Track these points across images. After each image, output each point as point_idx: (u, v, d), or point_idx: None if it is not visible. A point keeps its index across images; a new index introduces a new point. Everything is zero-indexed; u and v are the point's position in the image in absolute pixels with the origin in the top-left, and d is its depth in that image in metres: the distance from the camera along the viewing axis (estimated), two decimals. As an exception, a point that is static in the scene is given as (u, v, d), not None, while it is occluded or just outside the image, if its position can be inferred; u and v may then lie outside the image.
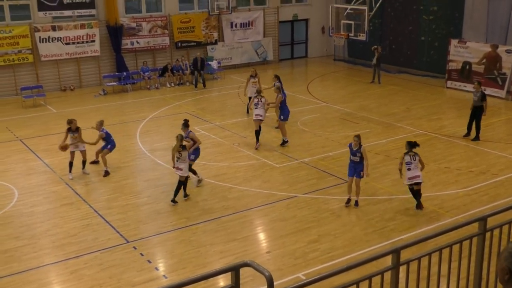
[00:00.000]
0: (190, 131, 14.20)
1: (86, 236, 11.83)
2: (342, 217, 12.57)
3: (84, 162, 15.49)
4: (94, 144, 15.54)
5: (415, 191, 12.78)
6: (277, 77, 19.13)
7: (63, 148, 15.12)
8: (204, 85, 25.87)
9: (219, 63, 28.88)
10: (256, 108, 17.04)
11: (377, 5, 24.69)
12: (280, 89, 17.80)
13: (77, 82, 26.05)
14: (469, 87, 23.95)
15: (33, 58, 24.75)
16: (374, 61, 26.14)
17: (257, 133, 17.00)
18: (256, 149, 16.93)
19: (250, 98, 19.27)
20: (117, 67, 26.64)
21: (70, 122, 15.19)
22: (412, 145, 12.77)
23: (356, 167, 12.81)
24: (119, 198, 13.84)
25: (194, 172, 14.30)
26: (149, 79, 26.21)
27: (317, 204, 13.25)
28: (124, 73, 26.31)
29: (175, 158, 13.36)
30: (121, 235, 11.87)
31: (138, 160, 16.74)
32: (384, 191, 13.90)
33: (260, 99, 17.13)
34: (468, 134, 17.85)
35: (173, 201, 13.31)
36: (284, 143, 17.30)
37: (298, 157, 16.42)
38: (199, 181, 14.45)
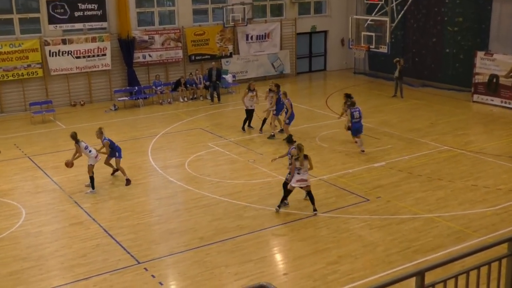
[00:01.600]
0: (293, 148, 13.67)
1: (95, 257, 11.85)
2: (363, 237, 12.47)
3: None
4: (106, 153, 15.99)
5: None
6: (277, 86, 20.44)
7: (70, 164, 15.67)
8: (219, 99, 25.95)
9: (234, 76, 29.01)
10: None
11: (399, 16, 24.66)
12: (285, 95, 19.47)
13: (88, 97, 26.29)
14: (497, 101, 23.87)
15: (43, 72, 25.05)
16: (396, 74, 26.08)
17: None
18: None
19: (247, 110, 20.79)
20: (128, 82, 26.85)
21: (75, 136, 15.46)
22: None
23: None
24: (130, 217, 13.86)
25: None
26: (161, 93, 26.38)
27: (336, 223, 13.16)
28: (136, 88, 26.50)
29: (296, 170, 13.30)
30: (132, 255, 11.87)
31: (150, 177, 16.79)
32: (407, 210, 13.78)
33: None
34: None
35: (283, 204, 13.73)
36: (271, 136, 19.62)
37: (316, 174, 16.36)
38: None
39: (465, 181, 15.63)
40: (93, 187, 15.48)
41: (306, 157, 13.36)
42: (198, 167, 17.39)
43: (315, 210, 13.61)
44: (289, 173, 13.81)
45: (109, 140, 15.97)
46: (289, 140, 14.48)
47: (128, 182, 15.95)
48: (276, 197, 14.73)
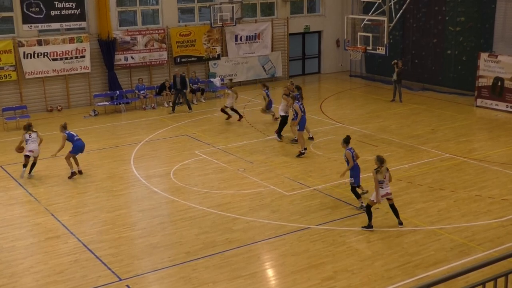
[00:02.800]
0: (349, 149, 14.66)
1: (74, 274, 11.78)
2: (360, 251, 12.48)
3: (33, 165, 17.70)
4: (61, 147, 17.35)
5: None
6: (265, 86, 21.40)
7: (20, 149, 17.63)
8: (190, 108, 25.36)
9: (222, 80, 29.04)
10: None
11: (398, 15, 24.79)
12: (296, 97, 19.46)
13: (65, 102, 26.22)
14: (502, 105, 24.01)
15: (17, 75, 24.96)
16: (394, 77, 26.21)
17: None
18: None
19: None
20: (109, 85, 26.82)
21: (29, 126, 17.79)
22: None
23: None
24: (111, 230, 13.81)
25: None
26: (144, 98, 26.35)
27: (332, 236, 13.17)
28: (117, 92, 26.46)
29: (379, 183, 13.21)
30: (113, 272, 11.81)
31: (132, 188, 16.74)
32: (407, 222, 13.81)
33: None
34: None
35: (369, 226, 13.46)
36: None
37: (310, 184, 16.38)
38: None
39: (468, 191, 15.69)
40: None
41: (387, 169, 13.31)
42: (184, 176, 17.36)
43: (400, 223, 13.51)
44: (351, 177, 14.44)
45: (68, 133, 17.41)
46: (346, 140, 14.83)
47: (72, 174, 17.29)
48: (267, 208, 14.75)
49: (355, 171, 14.50)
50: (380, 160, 13.25)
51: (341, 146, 15.05)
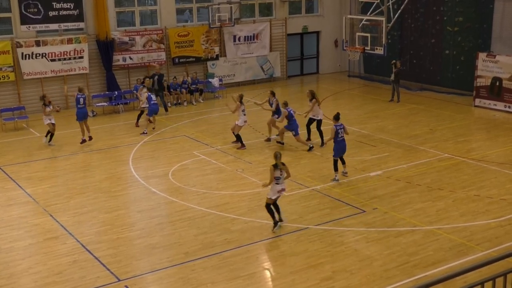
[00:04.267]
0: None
1: (72, 274, 11.76)
2: (359, 251, 12.49)
3: (52, 135, 20.39)
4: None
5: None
6: (273, 94, 20.61)
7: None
8: (166, 110, 25.16)
9: (220, 80, 29.04)
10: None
11: (396, 15, 24.77)
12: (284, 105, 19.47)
13: (63, 102, 26.18)
14: (500, 105, 24.03)
15: (15, 76, 24.95)
16: (392, 77, 26.23)
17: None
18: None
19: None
20: (107, 86, 26.81)
21: (44, 97, 20.69)
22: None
23: None
24: (109, 231, 13.80)
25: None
26: (143, 99, 26.29)
27: (330, 236, 13.17)
28: (116, 92, 26.45)
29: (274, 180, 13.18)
30: (111, 272, 11.80)
31: (131, 188, 16.73)
32: (405, 222, 13.82)
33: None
34: None
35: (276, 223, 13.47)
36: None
37: (309, 184, 16.38)
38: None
39: (467, 191, 15.70)
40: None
41: (283, 164, 13.30)
42: (182, 177, 17.36)
43: (280, 221, 13.55)
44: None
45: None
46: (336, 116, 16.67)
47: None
48: (265, 209, 14.72)
49: (337, 145, 16.31)
50: (275, 156, 13.18)
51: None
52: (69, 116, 24.80)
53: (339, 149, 16.42)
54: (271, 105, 20.16)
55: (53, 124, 20.45)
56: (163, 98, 25.39)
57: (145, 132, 21.74)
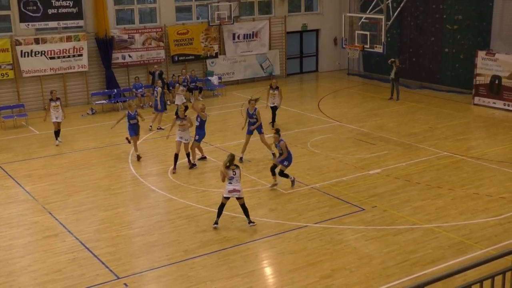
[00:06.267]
0: (282, 140, 15.66)
1: (71, 272, 11.77)
2: (358, 249, 12.49)
3: (58, 132, 20.29)
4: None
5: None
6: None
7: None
8: (162, 108, 24.27)
9: (219, 78, 29.03)
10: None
11: (395, 13, 24.79)
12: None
13: (63, 100, 26.02)
14: (499, 103, 24.03)
15: (14, 74, 24.93)
16: (392, 75, 26.23)
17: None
18: (174, 173, 17.42)
19: None
20: (106, 84, 26.80)
21: (51, 92, 20.48)
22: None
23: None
24: (108, 229, 13.80)
25: (286, 176, 15.79)
26: (142, 96, 26.32)
27: (330, 234, 13.17)
28: (115, 90, 26.44)
29: (227, 180, 13.35)
30: (110, 270, 11.80)
31: (130, 186, 16.73)
32: (404, 220, 13.83)
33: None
34: None
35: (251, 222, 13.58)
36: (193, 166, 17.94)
37: (308, 182, 16.38)
38: (275, 185, 15.98)
39: (466, 189, 15.70)
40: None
41: (237, 166, 13.46)
42: (182, 175, 17.35)
43: (250, 222, 13.59)
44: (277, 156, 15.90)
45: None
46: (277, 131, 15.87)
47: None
48: (265, 206, 14.76)
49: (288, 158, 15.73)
50: (229, 159, 13.34)
51: (274, 140, 15.86)
52: (68, 114, 24.80)
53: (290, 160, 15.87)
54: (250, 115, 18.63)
55: (58, 123, 20.41)
56: (163, 96, 25.29)
57: (161, 127, 22.10)
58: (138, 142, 19.02)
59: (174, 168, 17.44)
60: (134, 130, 18.67)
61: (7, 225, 14.09)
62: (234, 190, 13.35)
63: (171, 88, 26.15)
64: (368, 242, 12.78)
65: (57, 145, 20.31)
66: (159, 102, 22.21)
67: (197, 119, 18.19)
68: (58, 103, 20.34)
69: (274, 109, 22.04)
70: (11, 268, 12.01)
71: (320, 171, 17.33)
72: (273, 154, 17.83)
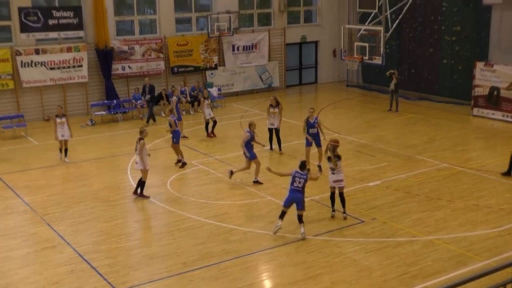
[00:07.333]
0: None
1: (69, 284, 11.68)
2: (357, 261, 12.40)
3: (66, 150, 19.56)
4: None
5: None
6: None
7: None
8: (148, 121, 24.86)
9: (219, 89, 29.03)
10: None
11: (394, 25, 24.84)
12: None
13: (62, 111, 26.09)
14: (498, 114, 24.01)
15: (14, 84, 24.91)
16: (392, 87, 26.21)
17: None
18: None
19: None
20: (106, 95, 26.78)
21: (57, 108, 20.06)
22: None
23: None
24: (107, 240, 13.71)
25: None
26: (142, 107, 26.28)
27: (329, 247, 13.09)
28: (114, 101, 26.42)
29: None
30: (108, 282, 11.71)
31: (129, 198, 16.64)
32: (404, 232, 13.75)
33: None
34: (508, 172, 17.51)
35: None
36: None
37: (307, 194, 16.19)
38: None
39: (465, 200, 15.64)
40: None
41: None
42: (181, 186, 17.29)
43: (345, 212, 14.64)
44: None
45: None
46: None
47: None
48: (264, 218, 14.68)
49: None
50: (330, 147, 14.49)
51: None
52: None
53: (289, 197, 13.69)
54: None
55: (65, 141, 19.63)
56: (152, 109, 25.24)
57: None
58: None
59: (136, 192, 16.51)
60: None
61: (5, 236, 14.00)
62: (338, 181, 14.46)
63: (170, 99, 26.08)
64: (368, 255, 12.69)
65: (67, 162, 19.60)
66: (175, 111, 22.01)
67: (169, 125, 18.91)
68: (64, 119, 19.62)
69: (276, 132, 20.05)
70: (9, 280, 11.92)
71: (319, 183, 17.17)
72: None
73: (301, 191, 13.41)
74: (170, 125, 18.85)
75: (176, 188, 17.03)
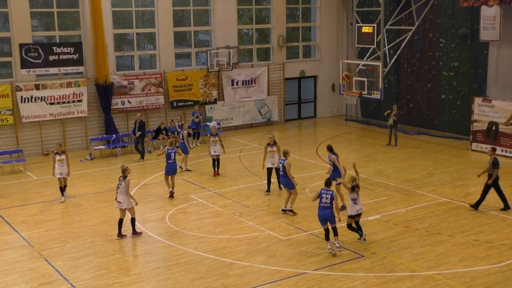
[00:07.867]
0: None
1: (66, 320, 11.55)
2: (358, 297, 12.28)
3: (64, 187, 19.25)
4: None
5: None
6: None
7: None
8: (142, 157, 24.80)
9: (218, 124, 29.06)
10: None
11: (392, 60, 25.01)
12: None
13: (63, 145, 26.09)
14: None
15: (14, 119, 24.95)
16: (391, 121, 26.27)
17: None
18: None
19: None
20: (105, 129, 26.81)
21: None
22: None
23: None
24: (105, 275, 13.59)
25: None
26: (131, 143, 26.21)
27: (329, 282, 12.97)
28: (114, 136, 26.44)
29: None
30: (106, 318, 11.57)
31: (127, 232, 16.52)
32: (404, 266, 13.64)
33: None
34: (506, 207, 17.59)
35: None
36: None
37: (307, 228, 16.23)
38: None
39: (466, 235, 15.55)
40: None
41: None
42: (180, 220, 17.20)
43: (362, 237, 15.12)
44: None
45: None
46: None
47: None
48: (263, 253, 14.57)
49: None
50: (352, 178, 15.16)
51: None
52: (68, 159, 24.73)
53: (319, 216, 14.66)
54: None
55: (64, 179, 19.15)
56: (143, 145, 25.14)
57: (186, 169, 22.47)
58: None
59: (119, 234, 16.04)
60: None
61: (1, 272, 13.86)
62: (360, 208, 14.90)
63: (169, 134, 26.12)
64: (368, 290, 12.58)
65: (62, 202, 19.05)
66: (186, 144, 22.60)
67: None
68: (63, 156, 19.03)
69: (276, 171, 19.29)
70: (5, 316, 11.78)
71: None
72: (343, 206, 17.17)
73: (330, 206, 14.34)
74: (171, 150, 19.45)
75: (175, 222, 16.94)
